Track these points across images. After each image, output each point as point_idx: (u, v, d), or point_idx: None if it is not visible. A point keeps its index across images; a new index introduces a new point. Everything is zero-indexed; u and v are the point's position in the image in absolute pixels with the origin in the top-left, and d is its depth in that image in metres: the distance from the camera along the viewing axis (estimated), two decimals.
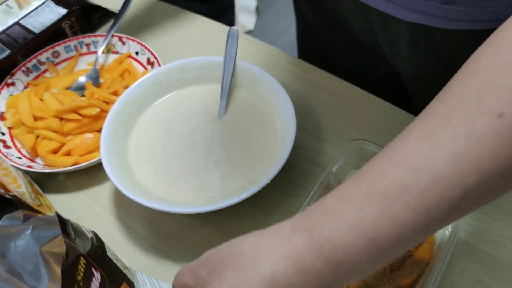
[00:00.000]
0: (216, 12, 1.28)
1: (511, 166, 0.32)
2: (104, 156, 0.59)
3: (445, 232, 0.54)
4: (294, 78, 0.73)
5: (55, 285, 0.37)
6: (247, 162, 0.60)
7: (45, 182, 0.66)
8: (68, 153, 0.66)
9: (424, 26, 0.57)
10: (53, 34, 0.80)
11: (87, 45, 0.80)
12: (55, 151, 0.67)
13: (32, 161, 0.67)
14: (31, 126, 0.68)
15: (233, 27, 0.69)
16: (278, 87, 0.63)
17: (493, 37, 0.35)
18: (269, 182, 0.55)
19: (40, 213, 0.57)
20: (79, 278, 0.37)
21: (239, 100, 0.66)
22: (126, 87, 0.69)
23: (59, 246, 0.38)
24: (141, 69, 0.76)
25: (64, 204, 0.65)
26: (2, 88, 0.74)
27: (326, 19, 0.74)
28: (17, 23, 0.81)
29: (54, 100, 0.70)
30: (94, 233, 0.43)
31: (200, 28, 0.84)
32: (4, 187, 0.56)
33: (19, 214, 0.40)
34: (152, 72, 0.68)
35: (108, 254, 0.43)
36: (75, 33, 0.83)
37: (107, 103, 0.69)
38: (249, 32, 2.06)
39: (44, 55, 0.78)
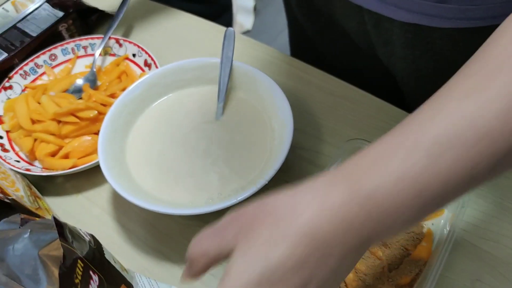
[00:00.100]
0: (213, 13, 1.28)
1: None
2: (102, 158, 0.59)
3: (443, 230, 0.54)
4: (291, 78, 0.73)
5: None
6: (245, 163, 0.60)
7: (44, 185, 0.66)
8: (66, 156, 0.66)
9: (418, 26, 0.57)
10: (50, 37, 0.80)
11: (84, 47, 0.80)
12: (53, 154, 0.67)
13: (31, 164, 0.67)
14: (29, 129, 0.68)
15: (230, 28, 0.69)
16: (275, 87, 0.63)
17: None
18: (267, 182, 0.55)
19: (39, 216, 0.57)
20: (76, 281, 0.37)
21: (236, 101, 0.66)
22: (123, 89, 0.69)
23: (57, 249, 0.38)
24: (138, 71, 0.76)
25: (62, 206, 0.65)
26: (0, 91, 0.74)
27: (318, 23, 0.74)
28: (14, 26, 0.81)
29: (51, 103, 0.70)
30: (92, 235, 0.43)
31: (197, 29, 0.84)
32: (2, 191, 0.56)
33: (17, 218, 0.40)
34: (149, 74, 0.68)
35: (106, 256, 0.43)
36: (72, 36, 0.83)
37: (104, 105, 0.69)
38: (247, 32, 2.06)
39: (41, 58, 0.78)
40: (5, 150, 0.68)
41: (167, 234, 0.60)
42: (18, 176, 0.63)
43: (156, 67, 0.73)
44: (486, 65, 0.34)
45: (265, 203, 0.36)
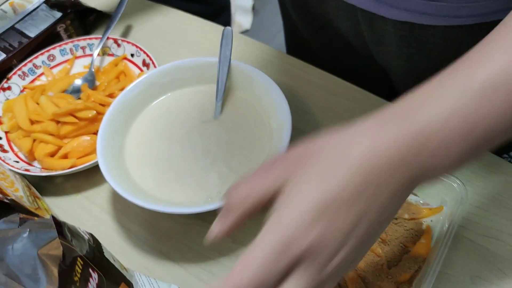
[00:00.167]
0: (212, 13, 1.28)
1: None
2: (101, 158, 0.59)
3: (442, 227, 0.54)
4: (289, 77, 0.73)
5: (53, 287, 0.37)
6: (243, 161, 0.60)
7: (43, 185, 0.66)
8: (65, 156, 0.66)
9: (412, 24, 0.57)
10: (48, 37, 0.81)
11: (83, 48, 0.80)
12: (52, 154, 0.67)
13: (30, 164, 0.67)
14: (27, 130, 0.68)
15: (228, 27, 0.70)
16: (273, 86, 0.63)
17: None
18: None
19: (38, 216, 0.57)
20: (76, 279, 0.37)
21: (235, 100, 0.66)
22: (122, 89, 0.69)
23: (56, 248, 0.38)
24: (136, 71, 0.76)
25: (62, 206, 0.65)
26: None
27: (313, 23, 0.74)
28: (12, 27, 0.81)
29: (50, 103, 0.70)
30: (91, 234, 0.43)
31: (195, 29, 0.84)
32: (1, 191, 0.56)
33: (15, 217, 0.40)
34: (147, 74, 0.68)
35: (106, 255, 0.43)
36: (70, 36, 0.83)
37: (103, 105, 0.69)
38: (246, 32, 2.06)
39: (40, 58, 0.78)
40: (4, 151, 0.68)
41: (167, 233, 0.60)
42: (17, 176, 0.63)
43: (155, 66, 0.73)
44: None
45: (312, 144, 0.36)
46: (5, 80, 0.75)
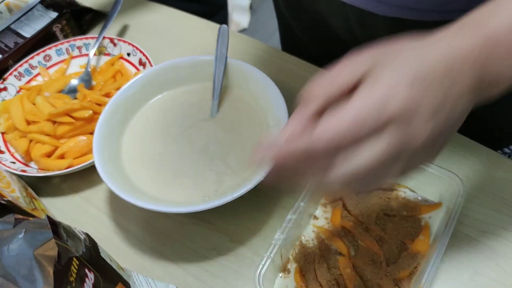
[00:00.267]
0: (209, 12, 1.28)
1: None
2: (97, 158, 0.59)
3: (441, 224, 0.53)
4: (285, 75, 0.72)
5: None
6: (240, 160, 0.59)
7: (40, 186, 0.66)
8: (61, 156, 0.66)
9: (401, 20, 0.57)
10: (44, 37, 0.80)
11: (79, 47, 0.80)
12: (48, 155, 0.67)
13: (26, 165, 0.67)
14: (24, 131, 0.68)
15: (223, 25, 0.69)
16: (270, 83, 0.63)
17: None
18: (262, 179, 0.55)
19: (34, 217, 0.57)
20: (71, 279, 0.37)
21: (231, 98, 0.66)
22: (118, 89, 0.69)
23: (52, 249, 0.38)
24: (133, 70, 0.75)
25: (59, 207, 0.64)
26: None
27: (305, 21, 0.74)
28: (7, 27, 0.81)
29: (46, 103, 0.69)
30: (87, 234, 0.42)
31: (191, 28, 0.84)
32: None
33: (10, 218, 0.40)
34: (143, 73, 0.67)
35: (102, 254, 0.43)
36: (66, 36, 0.83)
37: (99, 105, 0.69)
38: (243, 30, 2.06)
39: (36, 59, 0.78)
40: (1, 152, 0.68)
41: (164, 233, 0.60)
42: (14, 177, 0.63)
43: (151, 65, 0.72)
44: None
45: (390, 45, 0.37)
46: (1, 81, 0.75)
